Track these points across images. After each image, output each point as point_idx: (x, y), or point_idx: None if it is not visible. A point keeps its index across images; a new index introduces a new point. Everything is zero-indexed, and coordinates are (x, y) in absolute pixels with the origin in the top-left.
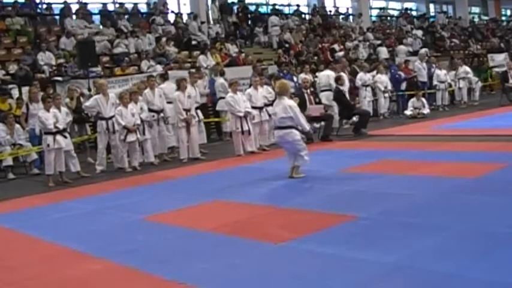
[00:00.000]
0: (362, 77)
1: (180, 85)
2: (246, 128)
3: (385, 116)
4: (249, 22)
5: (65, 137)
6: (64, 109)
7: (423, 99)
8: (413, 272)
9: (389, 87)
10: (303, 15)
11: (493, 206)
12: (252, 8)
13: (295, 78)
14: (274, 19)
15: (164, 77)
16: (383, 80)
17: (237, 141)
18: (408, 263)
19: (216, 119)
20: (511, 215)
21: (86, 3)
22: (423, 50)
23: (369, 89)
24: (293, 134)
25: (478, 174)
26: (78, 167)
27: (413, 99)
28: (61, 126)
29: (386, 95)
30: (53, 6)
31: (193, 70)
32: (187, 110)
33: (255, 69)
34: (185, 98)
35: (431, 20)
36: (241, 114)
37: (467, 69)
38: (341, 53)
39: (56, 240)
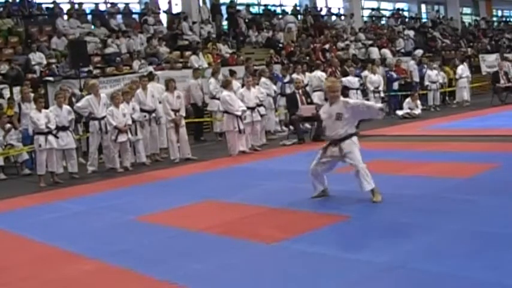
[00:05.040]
0: (350, 80)
1: (169, 86)
2: (241, 127)
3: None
4: (240, 24)
5: (66, 135)
6: (66, 107)
7: (417, 100)
8: (406, 271)
9: (382, 87)
10: (297, 16)
11: (484, 206)
12: (242, 8)
13: (285, 79)
14: (290, 18)
15: (149, 78)
16: (374, 80)
17: (233, 141)
18: (400, 263)
19: (208, 119)
20: (503, 215)
21: (80, 3)
22: (417, 52)
23: (358, 92)
24: None
25: (470, 174)
26: (75, 168)
27: (408, 100)
28: (53, 126)
29: (377, 95)
30: (44, 6)
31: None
32: (176, 111)
33: (248, 69)
34: (174, 99)
35: (423, 20)
36: (239, 113)
37: (463, 67)
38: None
39: (48, 241)
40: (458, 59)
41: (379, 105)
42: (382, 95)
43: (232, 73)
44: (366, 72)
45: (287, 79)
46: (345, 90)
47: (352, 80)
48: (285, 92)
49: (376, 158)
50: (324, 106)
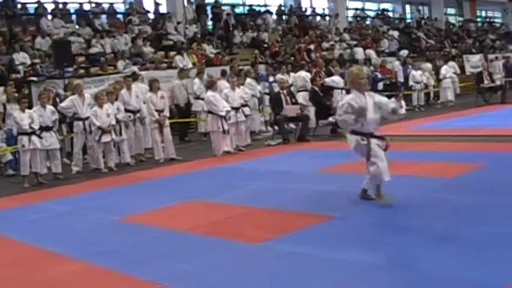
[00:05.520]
0: (334, 80)
1: (152, 86)
2: (226, 127)
3: None
4: (224, 24)
5: (50, 135)
6: (50, 107)
7: (402, 101)
8: (391, 271)
9: None
10: (282, 16)
11: (470, 205)
12: (227, 8)
13: (271, 79)
14: (271, 18)
15: (133, 78)
16: None
17: (217, 141)
18: (385, 263)
19: (193, 119)
20: (488, 214)
21: (65, 3)
22: (402, 52)
23: (343, 91)
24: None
25: (455, 174)
26: (59, 169)
27: (392, 100)
28: (36, 127)
29: None
30: (28, 6)
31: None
32: (160, 111)
33: (233, 70)
34: (158, 99)
35: (408, 20)
36: (223, 114)
37: (447, 68)
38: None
39: (32, 242)
40: (440, 60)
41: (392, 105)
42: None
43: (224, 73)
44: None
45: (272, 79)
46: (330, 90)
47: (336, 80)
48: (273, 92)
49: (359, 157)
50: (355, 97)
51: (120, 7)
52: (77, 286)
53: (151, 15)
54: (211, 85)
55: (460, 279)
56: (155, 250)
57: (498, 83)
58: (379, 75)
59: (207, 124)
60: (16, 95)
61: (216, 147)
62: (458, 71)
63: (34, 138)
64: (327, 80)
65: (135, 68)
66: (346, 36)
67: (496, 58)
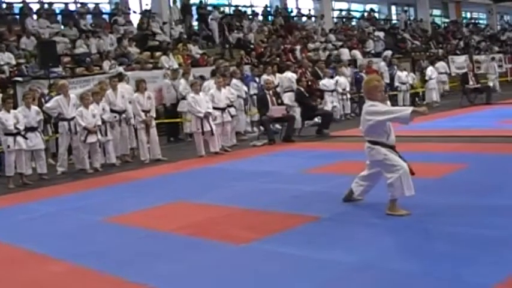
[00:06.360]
0: (325, 83)
1: (139, 86)
2: (207, 128)
3: (348, 117)
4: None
5: (35, 136)
6: (35, 107)
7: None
8: (377, 271)
9: (348, 88)
10: (267, 17)
11: (454, 206)
12: (211, 8)
13: (256, 79)
14: (256, 18)
15: (118, 78)
16: (341, 82)
17: (199, 142)
18: (371, 263)
19: (178, 119)
20: (472, 214)
21: (50, 3)
22: (386, 53)
23: (334, 94)
24: (375, 151)
25: (440, 175)
26: (44, 169)
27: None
28: (21, 127)
29: (345, 96)
30: (14, 5)
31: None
32: (146, 112)
33: (218, 70)
34: (144, 99)
35: (394, 22)
36: (201, 115)
37: (433, 69)
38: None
39: (17, 242)
40: (425, 61)
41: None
42: (349, 96)
43: (214, 73)
44: (337, 77)
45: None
46: (317, 92)
47: (327, 83)
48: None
49: (346, 158)
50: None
51: (106, 7)
52: (62, 287)
53: (138, 15)
54: (191, 86)
55: (447, 280)
56: (141, 251)
57: (491, 84)
58: (364, 76)
59: (191, 125)
60: (1, 95)
61: (198, 148)
62: (449, 71)
63: (19, 138)
64: (319, 84)
65: (120, 69)
66: (332, 37)
67: (492, 59)
